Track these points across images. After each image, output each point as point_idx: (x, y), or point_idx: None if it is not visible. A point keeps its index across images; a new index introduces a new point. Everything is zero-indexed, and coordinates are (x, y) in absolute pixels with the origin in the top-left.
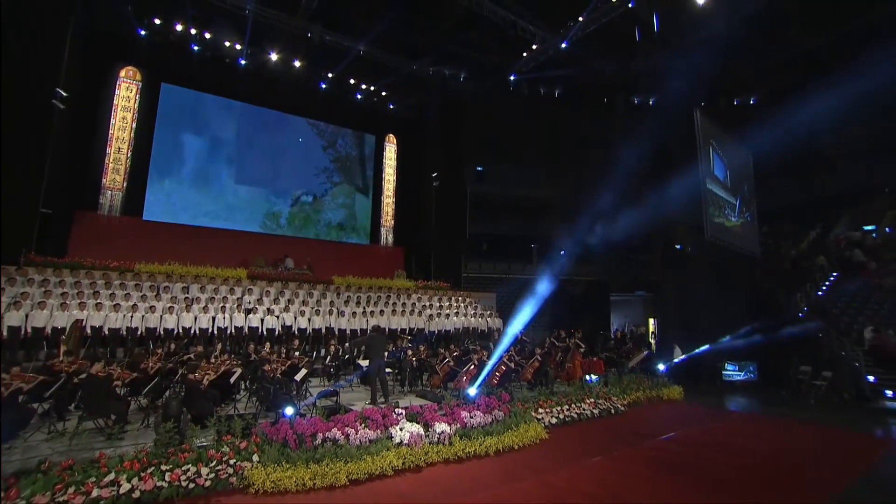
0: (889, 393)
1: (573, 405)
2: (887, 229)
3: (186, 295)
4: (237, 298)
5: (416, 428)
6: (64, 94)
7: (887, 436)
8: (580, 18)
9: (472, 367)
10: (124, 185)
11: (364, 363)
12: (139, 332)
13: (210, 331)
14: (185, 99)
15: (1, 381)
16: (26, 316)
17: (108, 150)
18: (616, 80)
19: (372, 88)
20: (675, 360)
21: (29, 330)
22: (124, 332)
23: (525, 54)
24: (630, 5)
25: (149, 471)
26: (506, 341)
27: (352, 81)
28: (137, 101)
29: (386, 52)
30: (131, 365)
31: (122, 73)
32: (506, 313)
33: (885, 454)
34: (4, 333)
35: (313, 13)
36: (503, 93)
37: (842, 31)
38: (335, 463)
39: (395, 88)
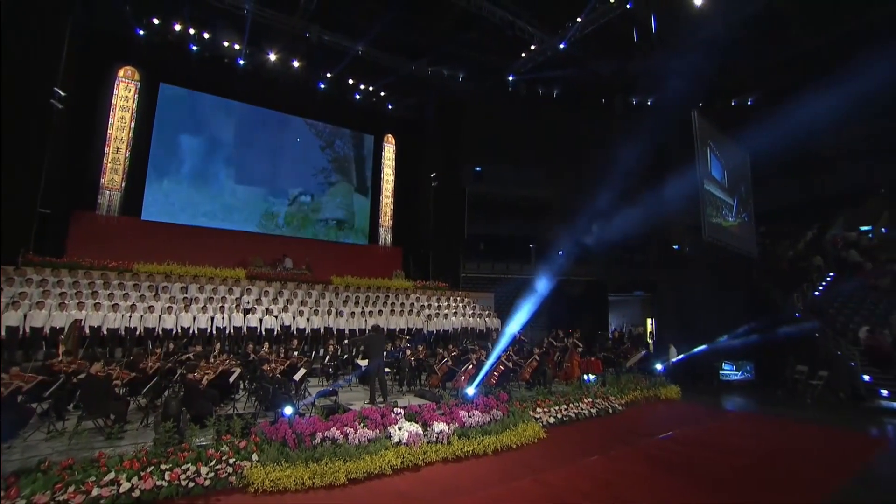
0: (884, 392)
1: (571, 405)
2: (883, 230)
3: (185, 295)
4: (236, 298)
5: (415, 427)
6: (62, 93)
7: (882, 435)
8: (578, 19)
9: (471, 366)
10: (123, 184)
11: (363, 363)
12: (138, 332)
13: (209, 331)
14: (184, 99)
15: (0, 380)
16: (24, 316)
17: (106, 149)
18: (614, 81)
19: (370, 89)
20: (671, 360)
21: (27, 330)
22: (123, 332)
23: (523, 55)
24: (628, 6)
25: (148, 470)
26: (504, 341)
27: (350, 82)
28: (136, 101)
29: (385, 53)
30: (130, 365)
31: (121, 73)
32: (504, 313)
33: (880, 453)
34: (3, 333)
35: (312, 13)
36: (502, 93)
37: (839, 32)
38: (334, 462)
39: (393, 89)
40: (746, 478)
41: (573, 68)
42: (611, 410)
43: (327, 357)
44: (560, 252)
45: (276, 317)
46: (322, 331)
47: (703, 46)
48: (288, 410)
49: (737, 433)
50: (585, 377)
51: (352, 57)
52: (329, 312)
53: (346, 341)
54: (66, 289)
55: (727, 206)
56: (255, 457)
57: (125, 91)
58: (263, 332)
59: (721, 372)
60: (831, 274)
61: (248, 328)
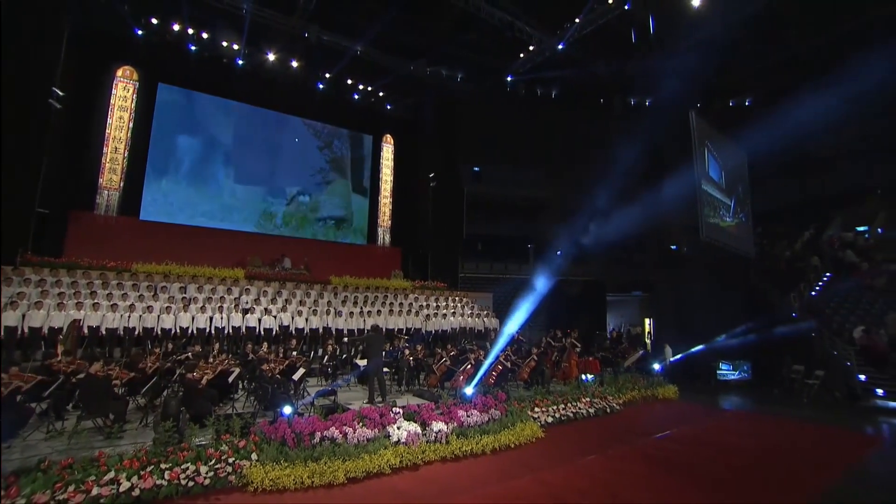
0: (879, 392)
1: (569, 404)
2: (879, 230)
3: (184, 295)
4: (234, 298)
5: (414, 427)
6: (60, 93)
7: (877, 433)
8: (577, 20)
9: (469, 366)
10: (121, 184)
11: (361, 363)
12: (136, 332)
13: (207, 331)
14: (182, 99)
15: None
16: (23, 316)
17: (104, 149)
18: (612, 81)
19: (369, 89)
20: (666, 360)
21: (25, 330)
22: (121, 332)
23: (522, 55)
24: (626, 7)
25: (148, 469)
26: (502, 341)
27: (349, 82)
28: (134, 101)
29: (383, 53)
30: (129, 365)
31: (119, 73)
32: (502, 313)
33: (874, 451)
34: (1, 334)
35: (311, 13)
36: (500, 93)
37: (836, 33)
38: (333, 461)
39: (392, 89)
40: (743, 476)
41: (571, 69)
42: (609, 410)
43: (326, 357)
44: (558, 252)
45: (275, 317)
46: (321, 331)
47: (701, 47)
48: (287, 410)
49: (734, 432)
50: (583, 377)
51: (350, 57)
52: (328, 312)
53: (345, 339)
54: (64, 289)
55: (725, 207)
56: (254, 456)
57: (123, 91)
58: (262, 332)
59: (718, 371)
60: (828, 274)
61: (247, 328)
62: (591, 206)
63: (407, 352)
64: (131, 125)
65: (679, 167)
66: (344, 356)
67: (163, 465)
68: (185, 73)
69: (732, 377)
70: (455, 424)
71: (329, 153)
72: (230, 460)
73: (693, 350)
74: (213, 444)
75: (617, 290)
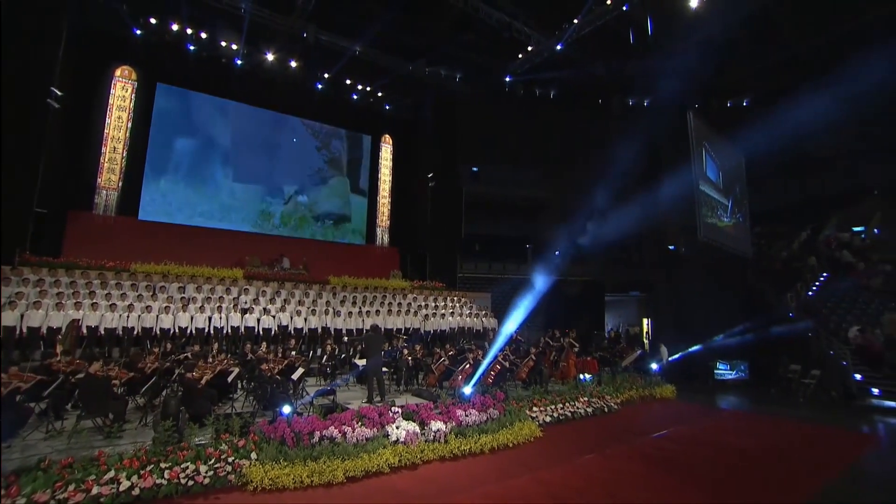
0: (875, 391)
1: (567, 404)
2: (876, 230)
3: (183, 295)
4: (233, 298)
5: (413, 426)
6: (59, 93)
7: (873, 432)
8: (575, 21)
9: (468, 366)
10: (119, 184)
11: (360, 362)
12: (135, 332)
13: (206, 330)
14: (181, 99)
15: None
16: (21, 316)
17: (103, 149)
18: (611, 82)
19: (368, 89)
20: (662, 360)
21: (24, 330)
22: (120, 332)
23: (520, 56)
24: (625, 8)
25: (148, 468)
26: (501, 341)
27: (348, 82)
28: (133, 101)
29: (382, 53)
30: (129, 364)
31: (118, 73)
32: (501, 313)
33: (871, 451)
34: (1, 333)
35: (309, 13)
36: (499, 94)
37: (833, 34)
38: (332, 461)
39: (391, 89)
40: (741, 475)
41: (570, 69)
42: (606, 409)
43: (325, 357)
44: (557, 252)
45: (274, 316)
46: (319, 330)
47: (699, 48)
48: (286, 409)
49: (731, 431)
50: (581, 377)
51: (349, 57)
52: (326, 312)
53: (345, 339)
54: (63, 289)
55: (722, 207)
56: (253, 455)
57: (122, 91)
58: (261, 332)
59: (716, 371)
60: (825, 274)
61: (246, 328)
62: (589, 207)
63: (406, 352)
64: (130, 125)
65: (677, 167)
66: (343, 356)
67: (162, 465)
68: (184, 72)
69: (730, 377)
70: (454, 424)
71: (327, 153)
72: (230, 459)
73: (690, 350)
74: (212, 444)
75: (615, 290)
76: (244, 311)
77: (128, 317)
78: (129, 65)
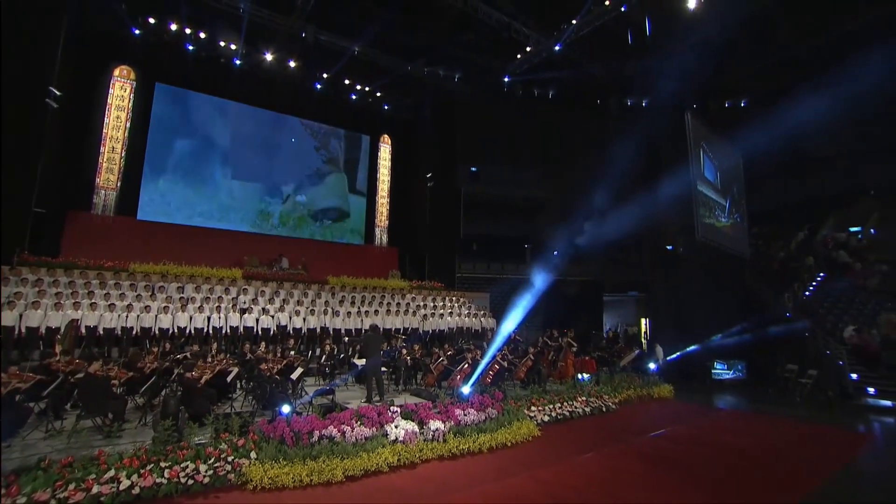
0: (871, 390)
1: (565, 403)
2: (872, 231)
3: (181, 295)
4: (232, 298)
5: (411, 425)
6: (57, 93)
7: (869, 432)
8: (574, 21)
9: (466, 365)
10: (118, 184)
11: (360, 362)
12: (134, 332)
13: (205, 330)
14: (180, 99)
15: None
16: (20, 316)
17: (101, 149)
18: (609, 82)
19: (367, 89)
20: (659, 360)
21: (23, 330)
22: (119, 332)
23: (519, 56)
24: (623, 9)
25: (148, 468)
26: (499, 340)
27: (347, 82)
28: (131, 101)
29: (381, 53)
30: (128, 364)
31: (117, 73)
32: (499, 313)
33: (866, 450)
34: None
35: (308, 13)
36: (497, 94)
37: (830, 36)
38: (331, 460)
39: (389, 89)
40: (738, 474)
41: (568, 69)
42: (604, 409)
43: (324, 356)
44: (555, 252)
45: (273, 316)
46: (318, 330)
47: (697, 48)
48: (285, 409)
49: (728, 431)
50: (580, 376)
51: (348, 57)
52: (325, 312)
53: (345, 340)
54: (61, 289)
55: (720, 207)
56: (253, 455)
57: (121, 90)
58: (260, 332)
59: (713, 371)
60: (822, 274)
61: (245, 328)
62: (587, 207)
63: (404, 351)
64: (128, 125)
65: (675, 167)
66: (342, 356)
67: (162, 464)
68: (183, 72)
69: (727, 376)
70: (452, 423)
71: (326, 153)
72: (229, 459)
73: (688, 350)
74: (212, 443)
75: (613, 290)
76: (243, 311)
77: (126, 317)
78: (127, 64)
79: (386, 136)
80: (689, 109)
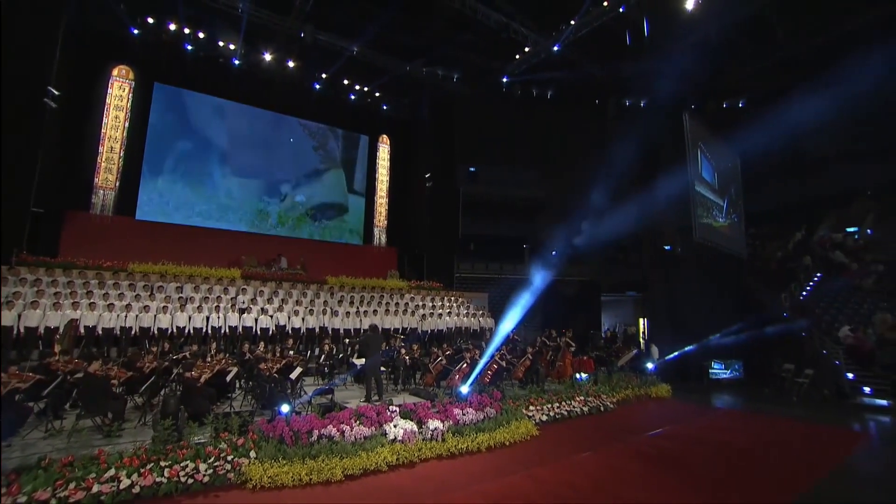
0: (866, 389)
1: (563, 403)
2: (868, 231)
3: (180, 294)
4: (231, 298)
5: (410, 425)
6: (56, 92)
7: (864, 430)
8: (572, 22)
9: (465, 365)
10: (117, 184)
11: (359, 361)
12: (133, 332)
13: (204, 330)
14: (178, 99)
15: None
16: (19, 316)
17: (100, 149)
18: (607, 83)
19: (365, 89)
20: (655, 360)
21: (22, 330)
22: (118, 332)
23: (518, 56)
24: (621, 10)
25: (148, 467)
26: (498, 340)
27: (345, 82)
28: (130, 101)
29: (379, 53)
30: (127, 364)
31: (115, 72)
32: (498, 313)
33: (862, 448)
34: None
35: (307, 13)
36: (496, 94)
37: (827, 37)
38: (331, 459)
39: (388, 89)
40: (735, 473)
41: (567, 70)
42: (602, 408)
43: (323, 356)
44: (553, 252)
45: (272, 316)
46: (317, 330)
47: (695, 49)
48: (285, 408)
49: (725, 430)
50: (578, 376)
51: (347, 57)
52: (324, 312)
53: (346, 341)
54: (60, 288)
55: (717, 208)
56: (252, 454)
57: (119, 90)
58: (259, 332)
59: (710, 370)
60: (818, 274)
61: (244, 328)
62: (586, 207)
63: (403, 351)
64: (127, 125)
65: (673, 168)
66: (340, 355)
67: (162, 463)
68: (182, 72)
69: (724, 376)
70: (451, 423)
71: (324, 153)
72: (229, 458)
73: (686, 349)
74: (211, 442)
75: (612, 290)
76: (242, 311)
77: (125, 317)
78: (126, 64)
79: (384, 136)
80: (686, 110)
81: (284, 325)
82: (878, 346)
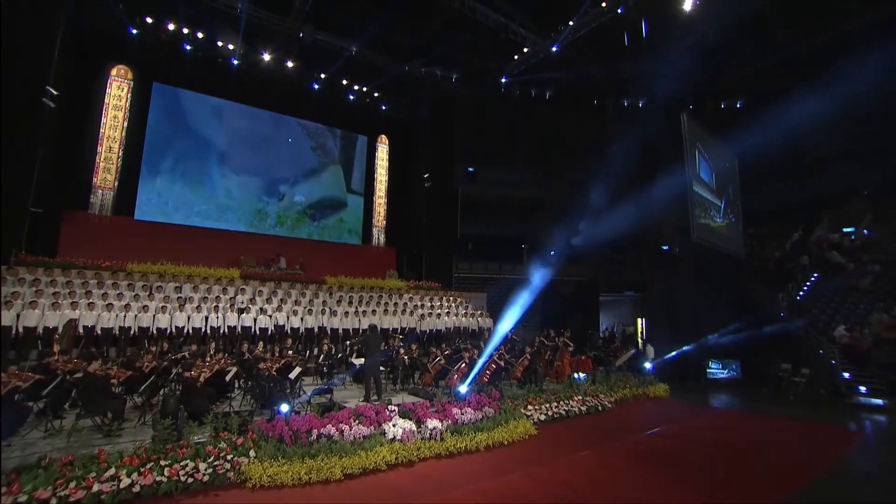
0: (862, 389)
1: (562, 402)
2: (865, 231)
3: (179, 294)
4: (230, 298)
5: (409, 424)
6: (54, 92)
7: (860, 430)
8: (571, 22)
9: (463, 365)
10: (115, 184)
11: (358, 361)
12: (132, 332)
13: (203, 330)
14: (177, 98)
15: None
16: (18, 315)
17: (99, 149)
18: (606, 83)
19: (364, 89)
20: (650, 360)
21: (20, 329)
22: (117, 332)
23: (516, 57)
24: (620, 10)
25: (148, 466)
26: (496, 340)
27: (344, 82)
28: (129, 100)
29: (378, 53)
30: (126, 364)
31: (114, 72)
32: (496, 313)
33: (858, 447)
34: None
35: (306, 14)
36: (495, 94)
37: (824, 38)
38: (330, 458)
39: (387, 89)
40: (732, 472)
41: (566, 70)
42: (600, 408)
43: (322, 356)
44: (552, 252)
45: (271, 316)
46: (316, 330)
47: (694, 50)
48: (284, 408)
49: (723, 429)
50: (576, 375)
51: (345, 57)
52: (323, 312)
53: (347, 342)
54: (59, 288)
55: (715, 208)
56: (252, 453)
57: (118, 90)
58: (258, 332)
59: (708, 370)
60: (815, 274)
61: (243, 327)
62: (584, 207)
63: (402, 351)
64: (126, 124)
65: (671, 168)
66: (339, 355)
67: (162, 462)
68: (180, 72)
69: (722, 376)
70: (449, 422)
71: (323, 153)
72: (229, 457)
73: (684, 349)
74: (211, 442)
75: (610, 290)
76: (241, 311)
77: (124, 317)
78: (125, 64)
79: (383, 136)
80: (685, 110)
81: (283, 325)
82: (875, 346)
